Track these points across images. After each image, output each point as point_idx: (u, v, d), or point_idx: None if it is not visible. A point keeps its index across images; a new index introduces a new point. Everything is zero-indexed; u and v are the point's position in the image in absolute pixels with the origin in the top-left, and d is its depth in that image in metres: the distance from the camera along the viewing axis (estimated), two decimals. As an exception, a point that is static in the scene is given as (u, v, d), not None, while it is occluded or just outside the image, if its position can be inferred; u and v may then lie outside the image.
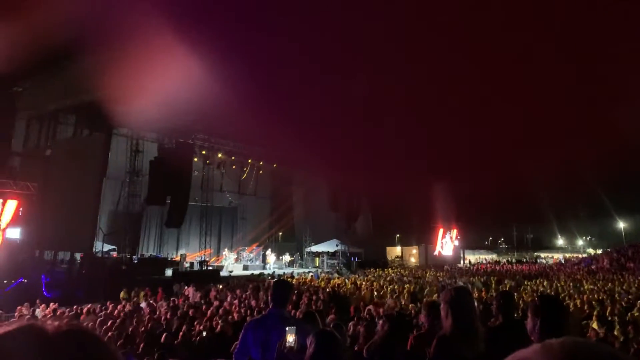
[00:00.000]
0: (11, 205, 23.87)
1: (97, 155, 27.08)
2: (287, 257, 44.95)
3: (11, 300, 17.14)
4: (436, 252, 56.70)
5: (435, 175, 38.66)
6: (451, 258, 56.74)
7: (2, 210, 23.62)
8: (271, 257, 41.83)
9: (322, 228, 49.38)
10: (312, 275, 31.68)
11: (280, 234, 52.73)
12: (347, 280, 26.82)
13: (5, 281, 22.23)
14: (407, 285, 23.85)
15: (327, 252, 47.24)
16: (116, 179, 34.78)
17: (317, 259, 46.58)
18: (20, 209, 24.29)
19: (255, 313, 13.43)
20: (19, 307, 14.86)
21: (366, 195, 50.34)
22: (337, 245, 48.09)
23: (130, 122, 29.49)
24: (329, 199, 48.34)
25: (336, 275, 34.25)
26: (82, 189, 26.19)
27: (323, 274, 34.41)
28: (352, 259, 46.39)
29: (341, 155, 32.16)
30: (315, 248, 48.83)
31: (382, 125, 28.21)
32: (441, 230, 56.88)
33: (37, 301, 16.62)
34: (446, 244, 57.70)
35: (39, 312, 14.83)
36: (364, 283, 25.01)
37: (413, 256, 58.81)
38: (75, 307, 15.43)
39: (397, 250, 60.12)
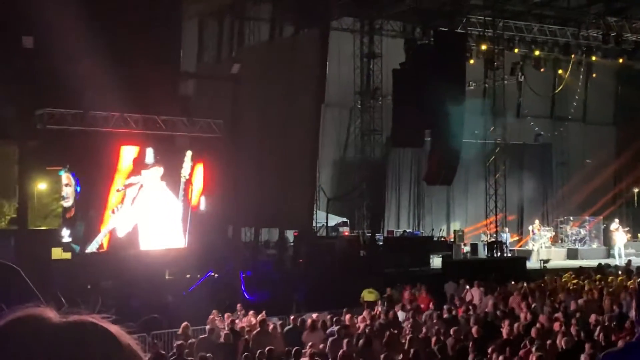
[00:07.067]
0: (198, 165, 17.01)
1: (309, 67, 18.85)
2: None
3: (198, 306, 13.64)
4: None
5: None
6: None
7: (192, 174, 16.59)
8: (619, 234, 25.11)
9: None
10: None
11: (638, 191, 29.84)
12: None
13: (188, 275, 16.77)
14: None
15: None
16: (339, 106, 24.39)
17: None
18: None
19: (603, 340, 9.13)
20: (210, 317, 12.19)
21: None
22: None
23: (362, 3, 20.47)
24: None
25: None
26: (290, 126, 18.83)
27: None
28: None
29: None
30: None
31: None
32: None
33: (238, 306, 13.50)
34: None
35: (239, 323, 11.99)
36: None
37: None
38: (292, 317, 12.50)
39: None
